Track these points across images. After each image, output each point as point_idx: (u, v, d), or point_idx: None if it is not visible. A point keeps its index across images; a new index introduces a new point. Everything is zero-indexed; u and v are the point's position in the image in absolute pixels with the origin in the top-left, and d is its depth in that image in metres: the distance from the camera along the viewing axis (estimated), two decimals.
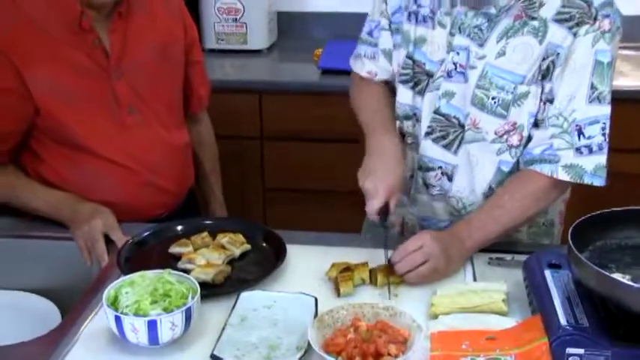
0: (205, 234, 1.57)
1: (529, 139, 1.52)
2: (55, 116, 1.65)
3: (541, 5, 1.45)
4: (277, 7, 2.98)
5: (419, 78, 1.59)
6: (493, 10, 1.48)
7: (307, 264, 1.51)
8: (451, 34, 1.53)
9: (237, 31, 2.82)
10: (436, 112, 1.57)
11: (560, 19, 1.44)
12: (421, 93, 1.59)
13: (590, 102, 1.46)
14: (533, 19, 1.46)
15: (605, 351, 1.14)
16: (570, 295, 1.26)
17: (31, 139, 1.70)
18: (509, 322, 1.29)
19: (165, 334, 1.21)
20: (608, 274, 1.18)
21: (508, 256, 1.51)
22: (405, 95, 1.62)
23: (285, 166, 2.63)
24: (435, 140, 1.59)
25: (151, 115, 1.74)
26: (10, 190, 1.70)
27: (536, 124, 1.52)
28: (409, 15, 1.58)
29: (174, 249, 1.53)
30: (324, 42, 2.70)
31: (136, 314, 1.22)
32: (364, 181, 1.48)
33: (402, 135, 1.66)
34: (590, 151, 1.47)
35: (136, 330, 1.20)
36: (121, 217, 1.63)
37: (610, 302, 1.19)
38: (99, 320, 1.31)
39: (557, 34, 1.45)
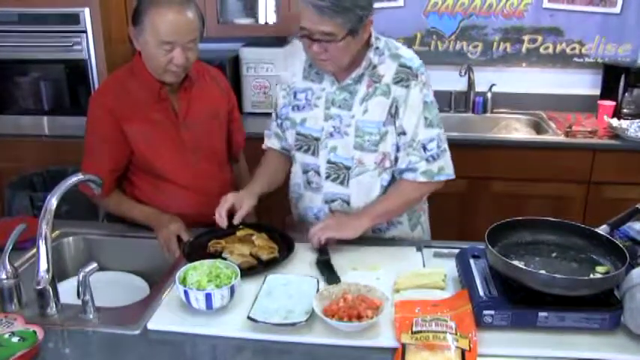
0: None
1: (396, 160, 1.55)
2: (144, 155, 1.68)
3: (381, 76, 1.51)
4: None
5: (309, 144, 1.60)
6: (350, 82, 1.52)
7: (312, 257, 1.50)
8: (327, 108, 1.55)
9: (265, 100, 2.82)
10: (329, 162, 1.59)
11: (397, 81, 1.50)
12: (314, 153, 1.60)
13: (426, 127, 1.50)
14: (379, 84, 1.51)
15: (507, 312, 1.17)
16: (486, 276, 1.28)
17: (128, 172, 1.73)
18: (446, 294, 1.30)
19: (216, 302, 1.23)
20: (510, 261, 1.21)
21: (446, 250, 1.50)
22: (302, 158, 1.64)
23: None
24: (333, 180, 1.60)
25: (206, 155, 1.76)
26: (118, 206, 1.73)
27: (397, 149, 1.54)
28: (292, 107, 1.61)
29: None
30: None
31: (198, 289, 1.24)
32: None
33: (309, 182, 1.65)
34: (434, 159, 1.51)
35: (197, 299, 1.22)
36: (187, 223, 1.64)
37: (511, 280, 1.21)
38: (173, 292, 1.32)
39: (397, 90, 1.49)
